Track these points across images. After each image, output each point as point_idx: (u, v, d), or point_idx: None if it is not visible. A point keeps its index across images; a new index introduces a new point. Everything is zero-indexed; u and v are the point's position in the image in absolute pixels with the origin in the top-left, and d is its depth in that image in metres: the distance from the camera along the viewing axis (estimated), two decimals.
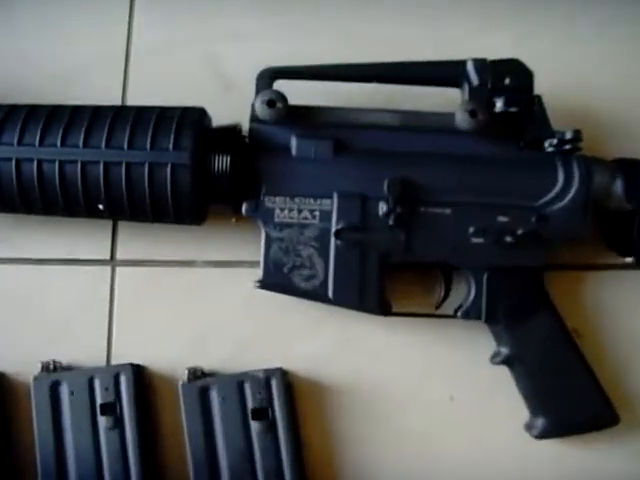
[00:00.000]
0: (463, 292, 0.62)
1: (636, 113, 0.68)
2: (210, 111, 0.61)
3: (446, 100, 0.62)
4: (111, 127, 0.57)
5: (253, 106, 0.59)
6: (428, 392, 0.64)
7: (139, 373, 0.62)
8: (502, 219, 0.59)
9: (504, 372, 0.61)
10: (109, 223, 0.66)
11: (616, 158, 0.62)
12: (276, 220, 0.59)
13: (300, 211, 0.59)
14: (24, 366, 0.62)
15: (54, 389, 0.60)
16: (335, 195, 0.59)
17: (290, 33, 0.70)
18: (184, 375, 0.61)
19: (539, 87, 0.60)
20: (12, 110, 0.58)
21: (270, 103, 0.58)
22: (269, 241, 0.59)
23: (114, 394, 0.60)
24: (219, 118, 0.61)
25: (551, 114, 0.61)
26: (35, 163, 0.56)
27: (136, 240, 0.66)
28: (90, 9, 0.71)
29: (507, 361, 0.61)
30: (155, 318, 0.65)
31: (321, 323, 0.64)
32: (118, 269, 0.66)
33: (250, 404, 0.60)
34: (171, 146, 0.56)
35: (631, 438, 0.63)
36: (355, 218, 0.59)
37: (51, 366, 0.61)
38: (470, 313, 0.60)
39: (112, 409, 0.60)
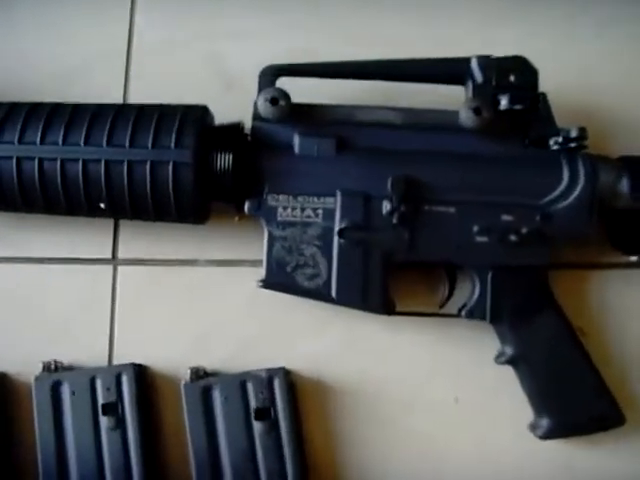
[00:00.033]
0: (467, 291, 0.61)
1: None
2: (212, 109, 0.60)
3: (450, 98, 0.62)
4: (113, 125, 0.56)
5: (256, 104, 0.59)
6: (432, 392, 0.64)
7: (141, 373, 0.61)
8: (506, 218, 0.59)
9: (509, 372, 0.61)
10: (111, 222, 0.65)
11: (621, 156, 0.62)
12: (279, 219, 0.59)
13: (303, 210, 0.59)
14: (25, 366, 0.61)
15: (55, 389, 0.60)
16: (338, 193, 0.59)
17: (292, 31, 0.70)
18: (186, 375, 0.60)
19: (543, 85, 0.60)
20: (13, 108, 0.58)
21: (273, 101, 0.58)
22: (272, 240, 0.59)
23: (116, 394, 0.60)
24: (221, 116, 0.61)
25: (556, 112, 0.61)
26: (36, 162, 0.56)
27: (138, 239, 0.65)
28: (91, 8, 0.70)
29: (512, 361, 0.60)
30: (157, 317, 0.64)
31: (324, 323, 0.64)
32: (120, 268, 0.65)
33: (253, 404, 0.60)
34: (173, 144, 0.56)
35: (637, 438, 0.63)
36: (358, 217, 0.59)
37: (52, 366, 0.61)
38: (474, 312, 0.60)
39: (114, 409, 0.59)
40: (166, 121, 0.57)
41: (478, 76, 0.60)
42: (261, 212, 0.59)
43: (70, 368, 0.62)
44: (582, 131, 0.58)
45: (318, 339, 0.64)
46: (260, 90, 0.59)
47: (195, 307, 0.65)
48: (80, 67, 0.69)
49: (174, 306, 0.65)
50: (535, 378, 0.60)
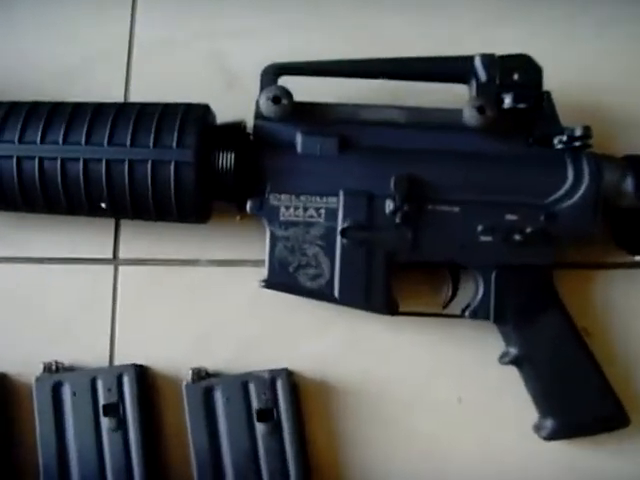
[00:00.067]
0: (471, 291, 0.61)
1: None
2: (214, 108, 0.60)
3: (453, 96, 0.61)
4: (113, 124, 0.56)
5: (258, 103, 0.58)
6: (436, 392, 0.63)
7: (142, 373, 0.61)
8: (511, 217, 0.58)
9: (513, 372, 0.61)
10: (111, 221, 0.65)
11: (626, 155, 0.61)
12: (281, 218, 0.58)
13: (306, 209, 0.58)
14: (26, 367, 0.61)
15: (56, 390, 0.60)
16: (341, 193, 0.58)
17: (293, 30, 0.70)
18: (188, 375, 0.60)
19: (545, 85, 0.60)
20: (13, 107, 0.57)
21: (275, 99, 0.57)
22: (274, 240, 0.58)
23: (117, 395, 0.59)
24: (223, 115, 0.60)
25: (560, 111, 0.60)
26: (37, 161, 0.56)
27: (139, 239, 0.65)
28: (92, 6, 0.70)
29: (516, 361, 0.60)
30: (158, 318, 0.64)
31: (327, 323, 0.64)
32: (121, 268, 0.65)
33: (255, 405, 0.60)
34: (175, 143, 0.55)
35: None
36: (361, 216, 0.58)
37: (53, 367, 0.60)
38: (478, 312, 0.60)
39: (115, 410, 0.59)
40: (167, 120, 0.56)
41: (482, 74, 0.59)
42: (263, 212, 0.58)
43: (71, 369, 0.62)
44: (587, 130, 0.58)
45: (321, 339, 0.64)
46: (262, 89, 0.59)
47: (197, 307, 0.64)
48: (80, 66, 0.69)
49: (175, 306, 0.64)
50: (539, 378, 0.60)
